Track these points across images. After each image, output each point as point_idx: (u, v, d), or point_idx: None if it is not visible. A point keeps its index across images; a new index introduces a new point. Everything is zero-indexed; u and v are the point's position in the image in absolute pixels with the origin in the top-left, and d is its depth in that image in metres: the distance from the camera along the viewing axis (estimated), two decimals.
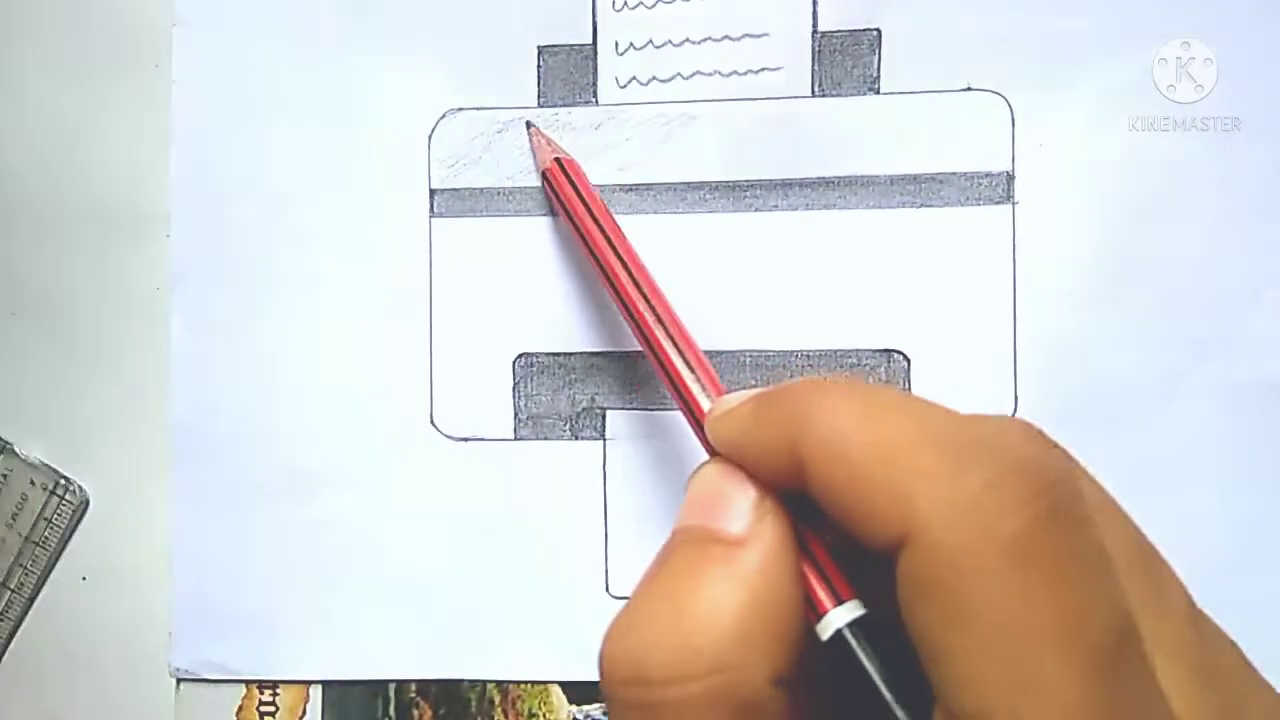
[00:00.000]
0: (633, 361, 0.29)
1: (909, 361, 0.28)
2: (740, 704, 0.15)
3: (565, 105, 0.29)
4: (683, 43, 0.29)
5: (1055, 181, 0.28)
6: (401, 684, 0.30)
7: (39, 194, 0.31)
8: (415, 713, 0.30)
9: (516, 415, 0.30)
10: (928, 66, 0.28)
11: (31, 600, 0.32)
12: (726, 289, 0.29)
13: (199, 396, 0.30)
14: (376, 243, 0.30)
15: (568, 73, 0.29)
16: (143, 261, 0.31)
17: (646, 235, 0.29)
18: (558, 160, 0.27)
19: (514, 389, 0.30)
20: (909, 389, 0.28)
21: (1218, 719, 0.14)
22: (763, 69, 0.29)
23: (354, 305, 0.30)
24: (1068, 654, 0.13)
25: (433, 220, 0.30)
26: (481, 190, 0.30)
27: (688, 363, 0.22)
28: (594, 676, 0.29)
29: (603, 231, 0.25)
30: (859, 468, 0.15)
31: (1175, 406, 0.28)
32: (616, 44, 0.29)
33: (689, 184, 0.29)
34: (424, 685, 0.30)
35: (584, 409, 0.29)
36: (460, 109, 0.30)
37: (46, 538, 0.31)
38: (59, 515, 0.31)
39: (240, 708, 0.31)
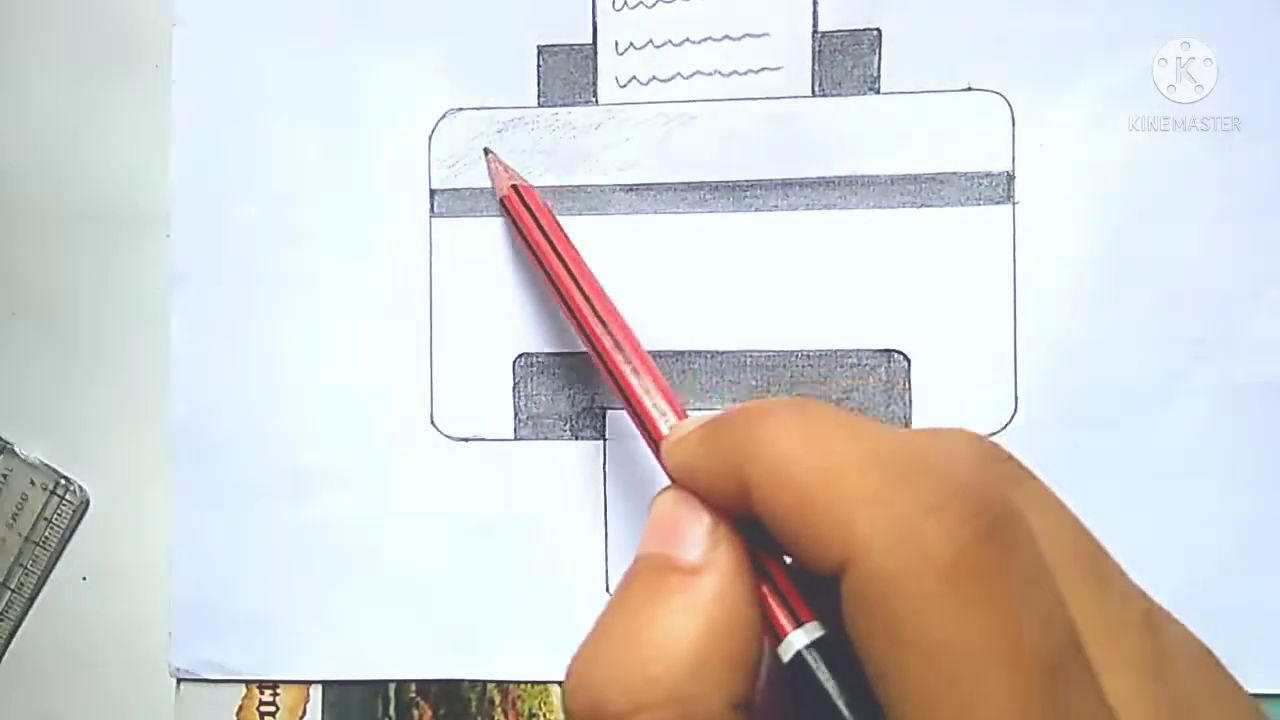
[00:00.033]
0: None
1: (909, 361, 0.28)
2: None
3: (565, 105, 0.29)
4: (683, 43, 0.29)
5: (1055, 181, 0.28)
6: (401, 684, 0.30)
7: (39, 194, 0.31)
8: (415, 713, 0.30)
9: (516, 415, 0.30)
10: (928, 66, 0.28)
11: (31, 600, 0.32)
12: (726, 289, 0.29)
13: (199, 396, 0.30)
14: (376, 243, 0.30)
15: (568, 73, 0.29)
16: (143, 261, 0.31)
17: (646, 235, 0.29)
18: (514, 187, 0.27)
19: (514, 389, 0.30)
20: (909, 389, 0.28)
21: None
22: (763, 69, 0.29)
23: (354, 305, 0.30)
24: (1006, 673, 0.13)
25: (433, 220, 0.30)
26: (481, 190, 0.30)
27: (647, 389, 0.22)
28: None
29: (559, 256, 0.26)
30: (803, 493, 0.15)
31: (1175, 406, 0.28)
32: (616, 44, 0.29)
33: (689, 184, 0.29)
34: (424, 685, 0.30)
35: (584, 409, 0.29)
36: (460, 109, 0.30)
37: (46, 538, 0.31)
38: (59, 515, 0.31)
39: (240, 708, 0.31)
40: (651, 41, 0.29)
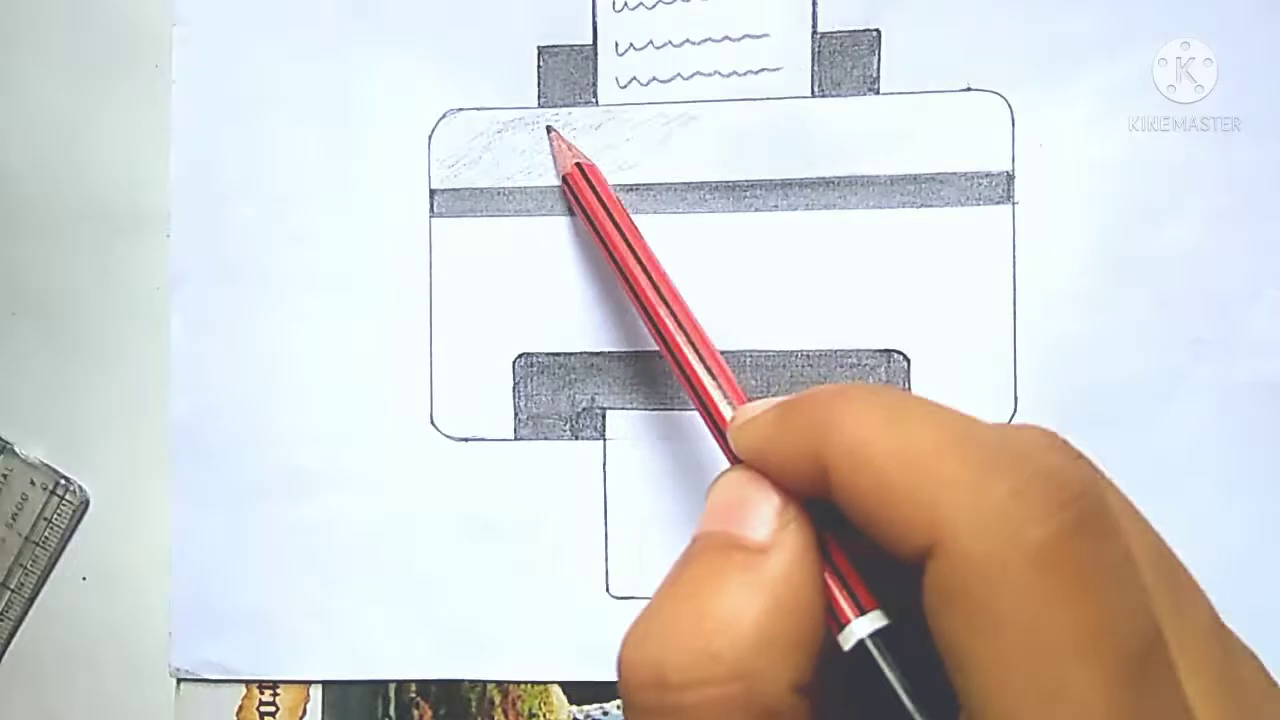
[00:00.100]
0: (633, 361, 0.29)
1: (909, 361, 0.28)
2: (760, 710, 0.15)
3: (565, 105, 0.29)
4: (683, 43, 0.29)
5: (1055, 181, 0.28)
6: (401, 684, 0.30)
7: (39, 194, 0.31)
8: (415, 713, 0.30)
9: (516, 415, 0.30)
10: (928, 66, 0.28)
11: (31, 600, 0.32)
12: (726, 289, 0.29)
13: (199, 396, 0.30)
14: (376, 243, 0.30)
15: (568, 73, 0.29)
16: (143, 261, 0.31)
17: (647, 235, 0.29)
18: (578, 165, 0.27)
19: (514, 389, 0.30)
20: (909, 389, 0.28)
21: None
22: (763, 69, 0.29)
23: (354, 305, 0.30)
24: (1094, 663, 0.13)
25: (433, 220, 0.30)
26: (481, 190, 0.30)
27: (710, 370, 0.22)
28: (594, 676, 0.29)
29: (624, 237, 0.25)
30: (884, 475, 0.15)
31: (1175, 406, 0.28)
32: (616, 44, 0.29)
33: (689, 184, 0.29)
34: (424, 685, 0.30)
35: (584, 409, 0.29)
36: (460, 109, 0.30)
37: (46, 538, 0.31)
38: (59, 515, 0.31)
39: (240, 708, 0.31)
40: (651, 42, 0.29)
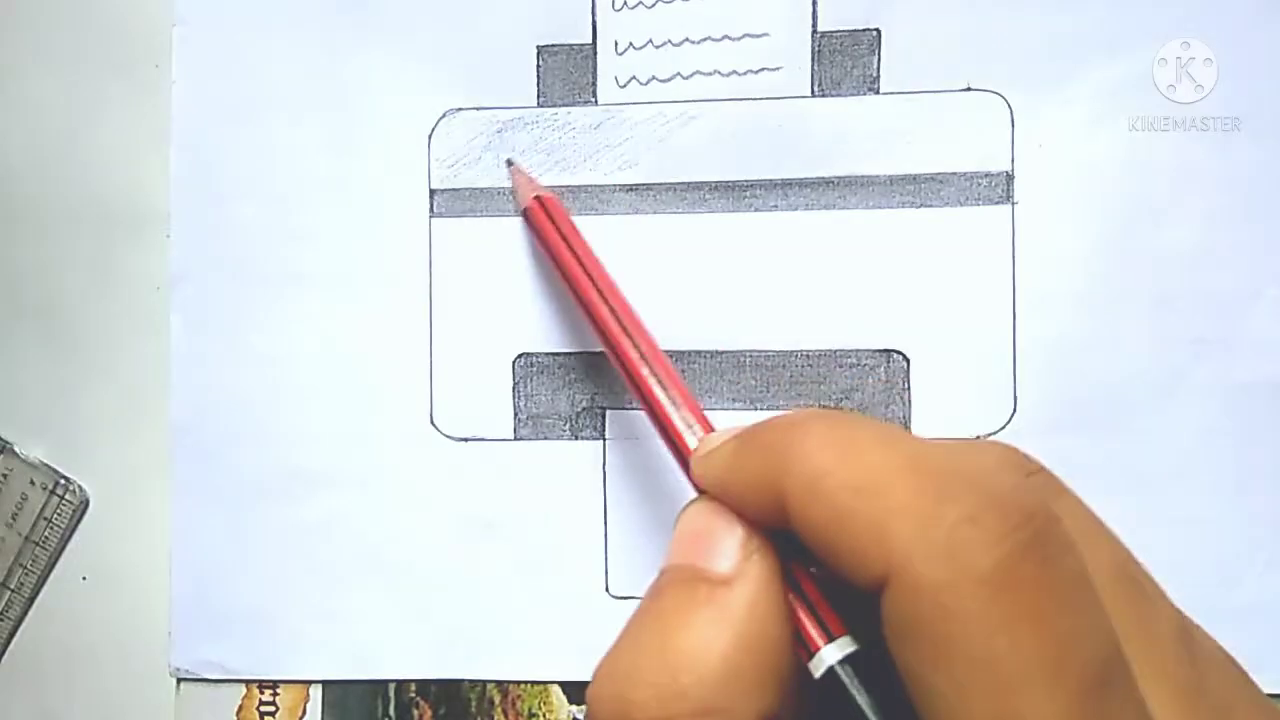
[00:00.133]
0: None
1: (909, 361, 0.28)
2: None
3: (565, 105, 0.29)
4: (682, 43, 0.29)
5: (1055, 181, 0.28)
6: (401, 684, 0.30)
7: (39, 194, 0.31)
8: (415, 713, 0.30)
9: (516, 415, 0.30)
10: (928, 66, 0.28)
11: (31, 600, 0.32)
12: (726, 289, 0.29)
13: (199, 396, 0.30)
14: (376, 243, 0.30)
15: (567, 73, 0.29)
16: (143, 261, 0.31)
17: (646, 235, 0.29)
18: (538, 198, 0.27)
19: (514, 389, 0.30)
20: (909, 389, 0.28)
21: None
22: (763, 69, 0.29)
23: (354, 305, 0.30)
24: (1053, 688, 0.13)
25: (433, 220, 0.30)
26: (481, 190, 0.30)
27: (673, 401, 0.22)
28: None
29: (585, 270, 0.25)
30: (839, 505, 0.15)
31: (1175, 406, 0.28)
32: (616, 44, 0.29)
33: (689, 184, 0.29)
34: (424, 685, 0.30)
35: (584, 409, 0.29)
36: (460, 109, 0.30)
37: (46, 538, 0.31)
38: (59, 515, 0.31)
39: (240, 708, 0.31)
40: (651, 42, 0.29)
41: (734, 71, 0.29)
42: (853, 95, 0.29)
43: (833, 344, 0.29)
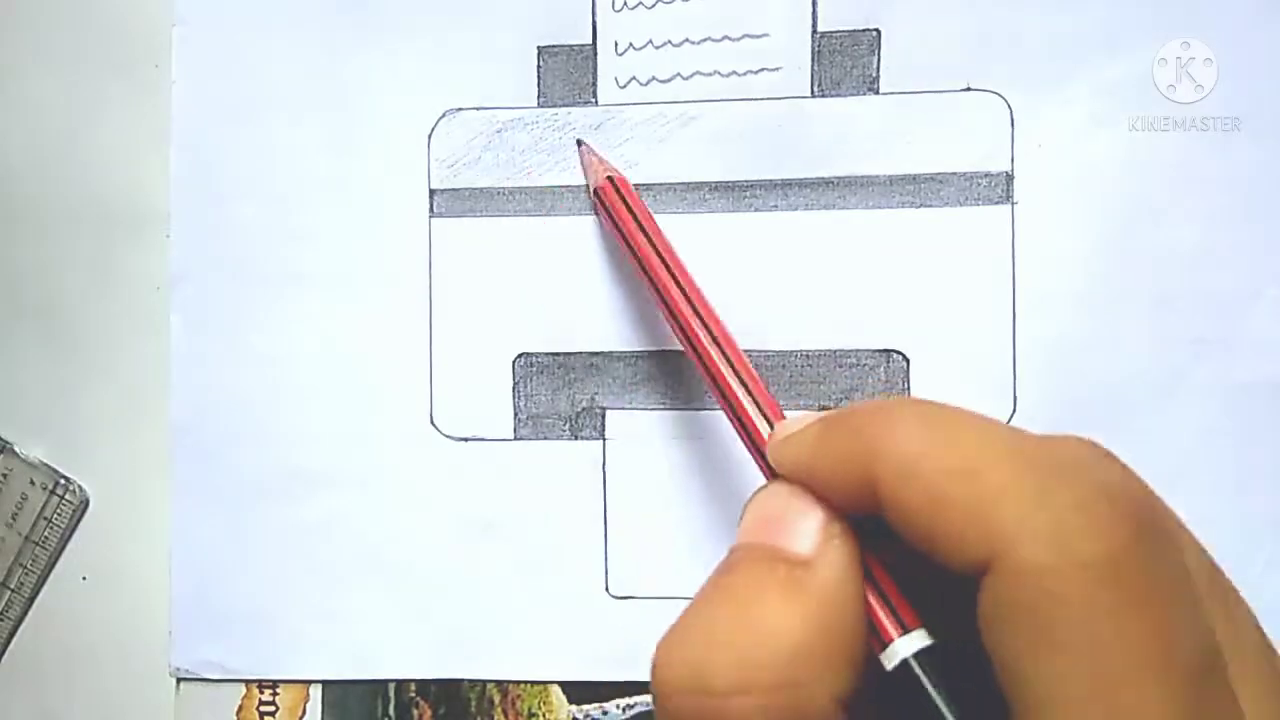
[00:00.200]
0: (633, 361, 0.29)
1: (908, 361, 0.28)
2: None
3: (565, 105, 0.29)
4: (682, 43, 0.29)
5: (1055, 181, 0.28)
6: (401, 684, 0.30)
7: (39, 194, 0.31)
8: (415, 713, 0.30)
9: (516, 415, 0.30)
10: (927, 66, 0.28)
11: (31, 600, 0.32)
12: (726, 289, 0.29)
13: (199, 396, 0.30)
14: (376, 243, 0.30)
15: (568, 73, 0.29)
16: (143, 261, 0.31)
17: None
18: (610, 178, 0.27)
19: (514, 389, 0.30)
20: (908, 389, 0.28)
21: None
22: (762, 69, 0.29)
23: (354, 305, 0.30)
24: (1157, 679, 0.13)
25: (433, 220, 0.30)
26: (481, 190, 0.30)
27: (745, 386, 0.22)
28: (594, 676, 0.29)
29: (657, 251, 0.25)
30: (937, 489, 0.15)
31: (1175, 406, 0.28)
32: (616, 44, 0.29)
33: (689, 184, 0.29)
34: (424, 685, 0.30)
35: (584, 409, 0.29)
36: (460, 109, 0.30)
37: (46, 538, 0.31)
38: (59, 515, 0.31)
39: (240, 708, 0.31)
40: (651, 42, 0.29)
41: (734, 72, 0.29)
42: (853, 95, 0.29)
43: (833, 344, 0.29)
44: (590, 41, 0.29)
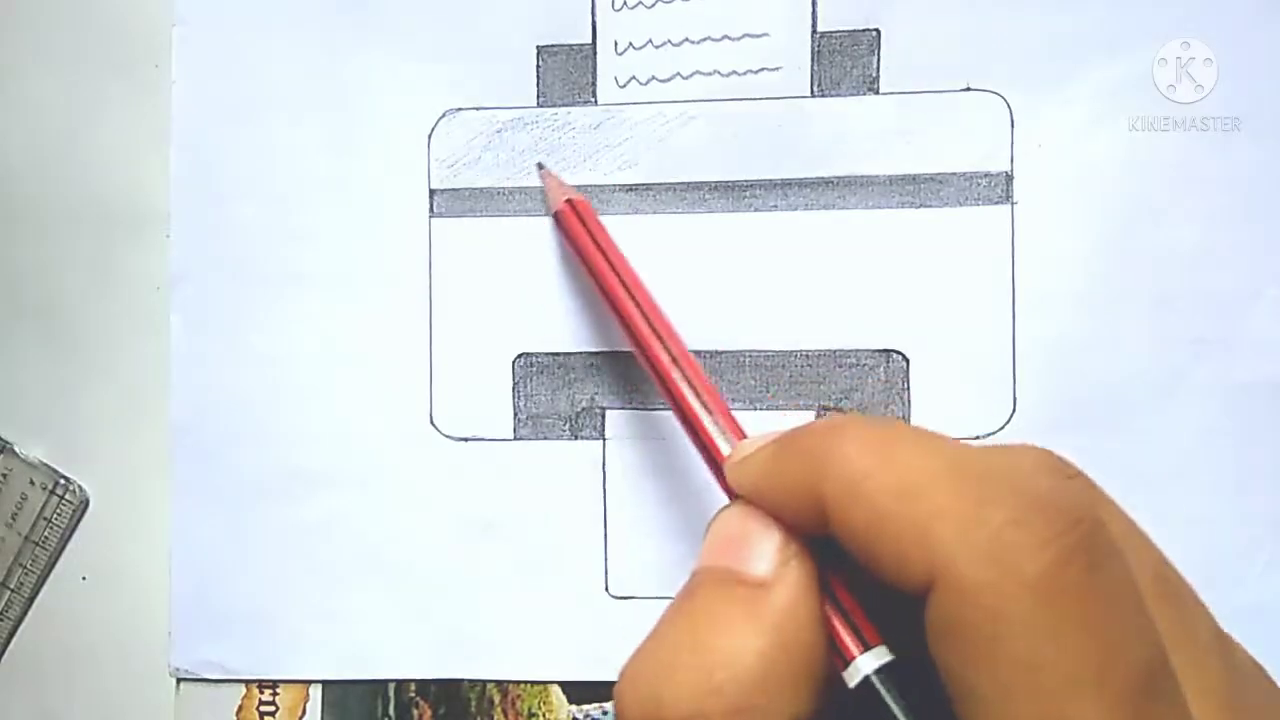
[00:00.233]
0: (633, 361, 0.29)
1: (908, 361, 0.28)
2: None
3: (565, 105, 0.29)
4: (682, 43, 0.29)
5: (1055, 181, 0.28)
6: (401, 684, 0.30)
7: (39, 194, 0.31)
8: (415, 713, 0.30)
9: (516, 415, 0.30)
10: (928, 66, 0.28)
11: (31, 600, 0.32)
12: (726, 289, 0.29)
13: (199, 396, 0.31)
14: (376, 243, 0.30)
15: (567, 73, 0.29)
16: (143, 261, 0.31)
17: (646, 235, 0.29)
18: (569, 201, 0.27)
19: (514, 389, 0.30)
20: (908, 389, 0.28)
21: None
22: (762, 69, 0.29)
23: (354, 305, 0.30)
24: (1100, 694, 0.13)
25: (433, 220, 0.30)
26: (481, 190, 0.30)
27: (706, 407, 0.22)
28: (593, 676, 0.30)
29: (616, 274, 0.25)
30: (880, 509, 0.15)
31: (1175, 406, 0.28)
32: (616, 44, 0.29)
33: (689, 184, 0.29)
34: (424, 685, 0.30)
35: (584, 409, 0.29)
36: (460, 109, 0.30)
37: (46, 538, 0.31)
38: (59, 515, 0.31)
39: (240, 708, 0.31)
40: (651, 42, 0.29)
41: (734, 71, 0.29)
42: (852, 95, 0.29)
43: (833, 344, 0.29)
44: (590, 41, 0.29)
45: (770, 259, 0.29)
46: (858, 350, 0.29)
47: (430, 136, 0.30)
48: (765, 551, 0.17)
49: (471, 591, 0.30)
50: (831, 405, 0.29)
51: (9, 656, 0.32)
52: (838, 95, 0.29)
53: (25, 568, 0.31)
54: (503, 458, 0.30)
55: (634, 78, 0.29)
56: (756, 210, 0.29)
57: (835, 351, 0.29)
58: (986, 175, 0.28)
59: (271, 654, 0.30)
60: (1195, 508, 0.28)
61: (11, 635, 0.32)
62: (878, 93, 0.28)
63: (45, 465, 0.31)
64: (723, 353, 0.29)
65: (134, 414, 0.31)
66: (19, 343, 0.32)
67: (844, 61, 0.29)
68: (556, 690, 0.30)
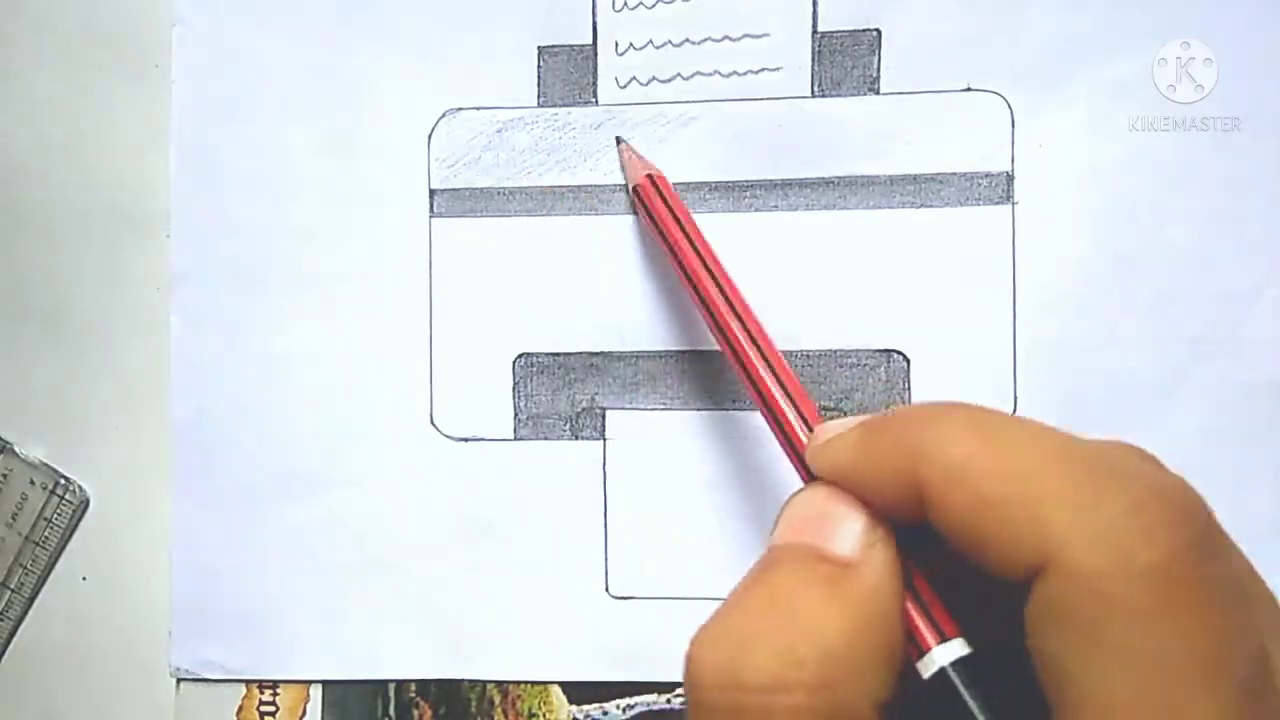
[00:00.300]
0: (633, 361, 0.29)
1: (909, 361, 0.28)
2: None
3: (565, 105, 0.29)
4: (683, 43, 0.29)
5: (1055, 181, 0.28)
6: (401, 684, 0.30)
7: (39, 194, 0.31)
8: (415, 713, 0.30)
9: (516, 415, 0.30)
10: (928, 66, 0.28)
11: (31, 600, 0.32)
12: None
13: (199, 396, 0.30)
14: (376, 243, 0.30)
15: (568, 73, 0.29)
16: (143, 261, 0.31)
17: (646, 235, 0.29)
18: (649, 177, 0.27)
19: (514, 389, 0.30)
20: (909, 389, 0.28)
21: None
22: (763, 69, 0.29)
23: (354, 305, 0.30)
24: (1210, 686, 0.13)
25: (433, 220, 0.30)
26: (481, 190, 0.30)
27: (785, 388, 0.22)
28: (594, 676, 0.30)
29: (696, 251, 0.25)
30: (987, 494, 0.14)
31: (1175, 406, 0.28)
32: (616, 44, 0.29)
33: (689, 184, 0.29)
34: (424, 685, 0.30)
35: (584, 409, 0.29)
36: (460, 109, 0.30)
37: (46, 538, 0.31)
38: (59, 515, 0.31)
39: (240, 708, 0.31)
40: (651, 42, 0.29)
41: (734, 72, 0.29)
42: (853, 95, 0.29)
43: (833, 344, 0.29)
44: (590, 41, 0.29)
45: (770, 259, 0.29)
46: (858, 350, 0.29)
47: (430, 136, 0.30)
48: (850, 532, 0.16)
49: (471, 592, 0.30)
50: (831, 405, 0.29)
51: (9, 656, 0.32)
52: (838, 95, 0.29)
53: (25, 568, 0.31)
54: (503, 458, 0.30)
55: (634, 78, 0.29)
56: (756, 210, 0.29)
57: (835, 351, 0.29)
58: (987, 175, 0.28)
59: (271, 654, 0.30)
60: None
61: (11, 635, 0.32)
62: (878, 93, 0.28)
63: (45, 465, 0.31)
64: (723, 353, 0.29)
65: (134, 414, 0.31)
66: (19, 343, 0.32)
67: (844, 62, 0.29)
68: (557, 690, 0.30)
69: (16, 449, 0.32)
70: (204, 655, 0.30)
